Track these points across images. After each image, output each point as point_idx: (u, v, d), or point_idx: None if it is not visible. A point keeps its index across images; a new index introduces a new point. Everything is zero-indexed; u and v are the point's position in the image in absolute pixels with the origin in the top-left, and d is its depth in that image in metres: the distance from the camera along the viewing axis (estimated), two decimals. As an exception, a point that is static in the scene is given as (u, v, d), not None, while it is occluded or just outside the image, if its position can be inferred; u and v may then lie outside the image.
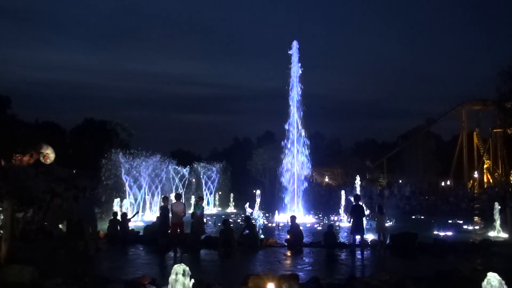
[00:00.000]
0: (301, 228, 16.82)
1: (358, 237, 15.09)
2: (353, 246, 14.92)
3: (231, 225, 16.22)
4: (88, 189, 17.15)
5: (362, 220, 15.45)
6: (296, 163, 26.76)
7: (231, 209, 34.51)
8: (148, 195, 27.37)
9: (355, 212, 15.36)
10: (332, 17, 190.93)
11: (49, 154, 30.30)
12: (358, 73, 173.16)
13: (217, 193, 37.43)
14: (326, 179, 50.69)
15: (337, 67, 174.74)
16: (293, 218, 16.83)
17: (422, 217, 28.71)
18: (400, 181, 47.85)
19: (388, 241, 15.50)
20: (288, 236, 16.12)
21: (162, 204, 16.10)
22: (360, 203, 16.16)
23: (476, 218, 26.29)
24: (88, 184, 21.78)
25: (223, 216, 25.28)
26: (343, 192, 25.56)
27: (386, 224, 16.83)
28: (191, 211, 17.60)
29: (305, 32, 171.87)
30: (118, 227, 17.50)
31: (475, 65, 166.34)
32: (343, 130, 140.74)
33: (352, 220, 15.38)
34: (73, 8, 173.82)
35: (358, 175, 29.29)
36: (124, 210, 22.06)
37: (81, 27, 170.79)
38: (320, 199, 35.64)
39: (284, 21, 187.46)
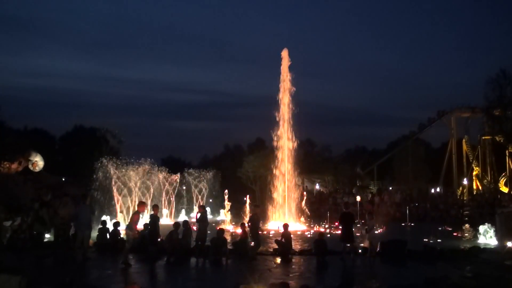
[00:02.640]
0: (291, 236, 16.78)
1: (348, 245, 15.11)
2: (344, 254, 14.93)
3: (224, 234, 16.11)
4: (88, 197, 16.96)
5: (352, 228, 15.48)
6: (286, 170, 26.76)
7: (221, 217, 34.34)
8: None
9: (344, 219, 15.41)
10: (322, 25, 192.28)
11: (38, 162, 30.18)
12: (349, 80, 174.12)
13: (207, 201, 37.17)
14: (317, 186, 50.74)
15: (328, 74, 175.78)
16: (285, 226, 16.79)
17: (412, 224, 28.80)
18: (391, 188, 48.08)
19: (378, 249, 15.53)
20: (276, 245, 16.11)
21: (152, 212, 15.99)
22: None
23: (465, 225, 26.41)
24: (84, 192, 21.62)
25: (214, 224, 25.19)
26: None
27: (376, 232, 16.87)
28: (180, 219, 17.50)
29: (295, 39, 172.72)
30: (108, 236, 17.37)
31: (464, 73, 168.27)
32: (334, 137, 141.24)
33: (341, 227, 15.44)
34: (63, 14, 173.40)
35: (349, 182, 29.30)
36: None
37: (71, 33, 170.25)
38: (311, 206, 35.57)
39: (274, 29, 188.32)
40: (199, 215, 16.68)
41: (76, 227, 15.02)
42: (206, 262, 14.56)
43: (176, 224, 16.00)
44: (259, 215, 17.06)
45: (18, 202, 22.04)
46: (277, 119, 27.09)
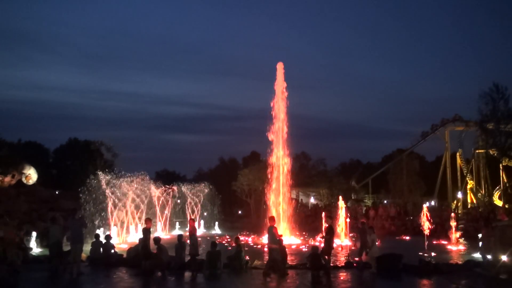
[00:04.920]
0: (286, 250, 16.69)
1: (342, 259, 15.07)
2: (339, 268, 14.89)
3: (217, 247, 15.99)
4: (78, 211, 16.83)
5: (331, 241, 15.56)
6: (281, 184, 26.68)
7: (216, 230, 34.20)
8: (135, 217, 27.07)
9: (328, 233, 15.53)
10: (317, 38, 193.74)
11: (31, 175, 30.00)
12: (344, 94, 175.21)
13: (202, 214, 37.00)
14: (312, 200, 50.64)
15: (322, 88, 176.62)
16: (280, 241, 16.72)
17: (407, 237, 28.77)
18: (385, 201, 48.04)
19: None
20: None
21: (145, 225, 15.89)
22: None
23: (460, 239, 26.39)
24: (77, 206, 21.47)
25: (208, 238, 25.06)
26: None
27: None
28: (175, 232, 17.38)
29: (290, 52, 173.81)
30: (101, 250, 17.19)
31: (458, 86, 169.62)
32: (328, 150, 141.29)
33: (325, 241, 15.51)
34: (57, 27, 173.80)
35: (344, 196, 29.15)
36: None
37: (66, 46, 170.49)
38: (306, 219, 35.52)
39: (270, 42, 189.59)
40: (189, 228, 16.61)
41: (68, 241, 14.87)
42: (201, 275, 14.42)
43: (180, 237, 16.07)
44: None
45: (10, 216, 21.83)
46: (272, 132, 27.07)
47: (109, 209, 24.81)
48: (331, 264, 15.65)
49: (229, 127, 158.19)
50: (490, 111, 39.33)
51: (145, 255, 15.01)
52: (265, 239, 24.81)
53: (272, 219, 15.79)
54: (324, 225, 24.58)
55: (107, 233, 20.42)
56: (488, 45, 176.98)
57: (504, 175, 47.68)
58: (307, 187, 51.10)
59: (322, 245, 15.82)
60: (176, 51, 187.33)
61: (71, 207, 20.54)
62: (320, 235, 24.25)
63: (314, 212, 39.28)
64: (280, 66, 27.74)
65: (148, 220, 16.16)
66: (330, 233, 15.58)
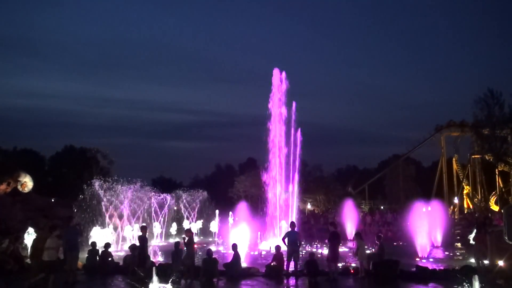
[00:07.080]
0: (284, 257, 16.68)
1: (340, 265, 15.08)
2: (330, 274, 14.87)
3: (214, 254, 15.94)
4: (73, 219, 16.77)
5: (337, 247, 15.58)
6: (278, 190, 26.67)
7: (212, 237, 34.02)
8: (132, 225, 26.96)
9: (332, 239, 15.52)
10: (314, 45, 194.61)
11: (27, 182, 29.70)
12: (340, 100, 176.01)
13: (198, 222, 36.82)
14: (309, 206, 50.64)
15: (319, 94, 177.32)
16: (278, 248, 16.71)
17: (405, 243, 28.70)
18: (382, 207, 48.08)
19: (370, 268, 15.50)
20: (273, 263, 16.05)
21: (140, 233, 15.83)
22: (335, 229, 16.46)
23: (456, 244, 26.40)
24: (72, 213, 21.37)
25: (205, 245, 24.96)
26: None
27: (367, 251, 16.86)
28: (172, 240, 17.32)
29: (286, 59, 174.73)
30: (97, 258, 17.09)
31: (454, 92, 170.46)
32: (325, 156, 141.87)
33: (329, 247, 15.53)
34: (53, 35, 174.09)
35: (340, 202, 29.18)
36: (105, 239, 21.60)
37: (63, 54, 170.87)
38: (302, 226, 35.41)
39: (265, 49, 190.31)
40: (186, 239, 16.52)
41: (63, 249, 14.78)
42: (197, 283, 14.35)
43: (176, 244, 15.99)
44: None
45: (6, 224, 21.67)
46: (268, 139, 27.10)
47: (104, 216, 24.72)
48: (327, 270, 15.64)
49: (226, 133, 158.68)
50: (485, 116, 39.52)
51: (141, 263, 14.94)
52: (262, 245, 24.83)
53: (293, 224, 16.75)
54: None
55: (104, 241, 20.33)
56: (483, 50, 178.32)
57: (500, 180, 47.82)
58: (304, 193, 51.09)
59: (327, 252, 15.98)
60: (172, 58, 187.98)
61: (66, 215, 20.38)
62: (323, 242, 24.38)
63: (312, 218, 39.21)
64: (276, 72, 27.80)
65: (144, 228, 16.09)
66: (334, 240, 15.56)
